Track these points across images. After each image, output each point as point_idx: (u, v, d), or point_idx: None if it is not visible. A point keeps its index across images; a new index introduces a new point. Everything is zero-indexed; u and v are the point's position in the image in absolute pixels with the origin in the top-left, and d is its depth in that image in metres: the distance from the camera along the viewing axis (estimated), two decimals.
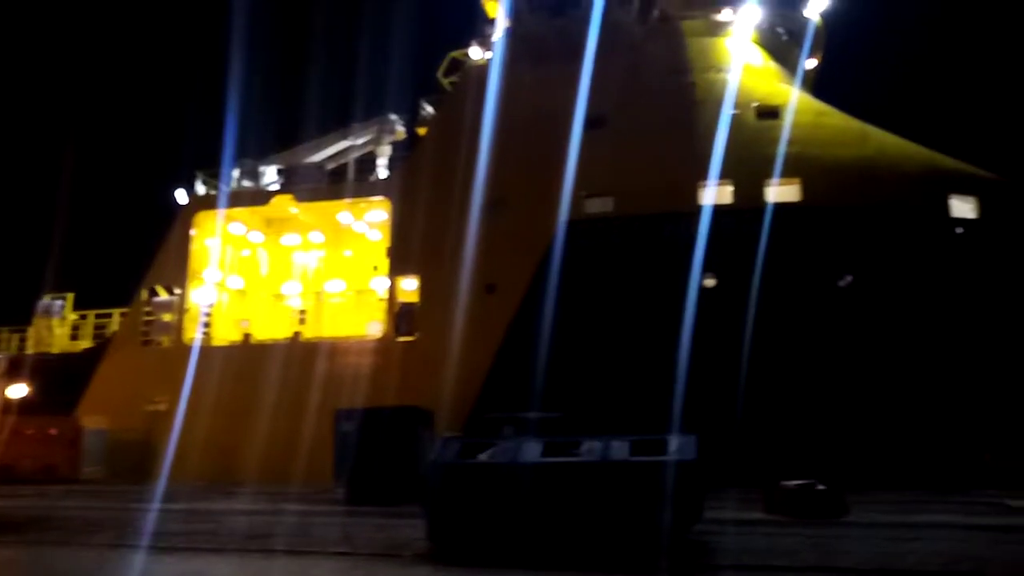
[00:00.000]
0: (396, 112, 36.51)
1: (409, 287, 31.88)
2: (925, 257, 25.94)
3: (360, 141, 36.72)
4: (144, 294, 35.38)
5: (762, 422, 23.92)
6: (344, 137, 36.68)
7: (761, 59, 32.69)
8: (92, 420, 32.07)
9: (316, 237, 37.37)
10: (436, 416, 24.09)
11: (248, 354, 32.39)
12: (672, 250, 26.97)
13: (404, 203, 31.99)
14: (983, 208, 26.81)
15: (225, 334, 34.91)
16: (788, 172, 27.26)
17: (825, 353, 25.21)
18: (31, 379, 33.60)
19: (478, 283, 29.07)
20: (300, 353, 31.25)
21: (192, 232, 35.41)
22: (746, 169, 27.56)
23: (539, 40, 32.28)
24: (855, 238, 26.32)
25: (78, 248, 50.94)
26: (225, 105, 32.13)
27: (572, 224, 28.26)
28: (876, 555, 11.17)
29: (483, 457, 12.46)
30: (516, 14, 33.21)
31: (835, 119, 30.11)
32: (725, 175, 27.38)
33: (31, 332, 37.57)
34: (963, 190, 27.09)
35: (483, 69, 33.56)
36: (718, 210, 26.76)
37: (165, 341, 34.38)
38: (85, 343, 37.18)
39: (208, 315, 34.94)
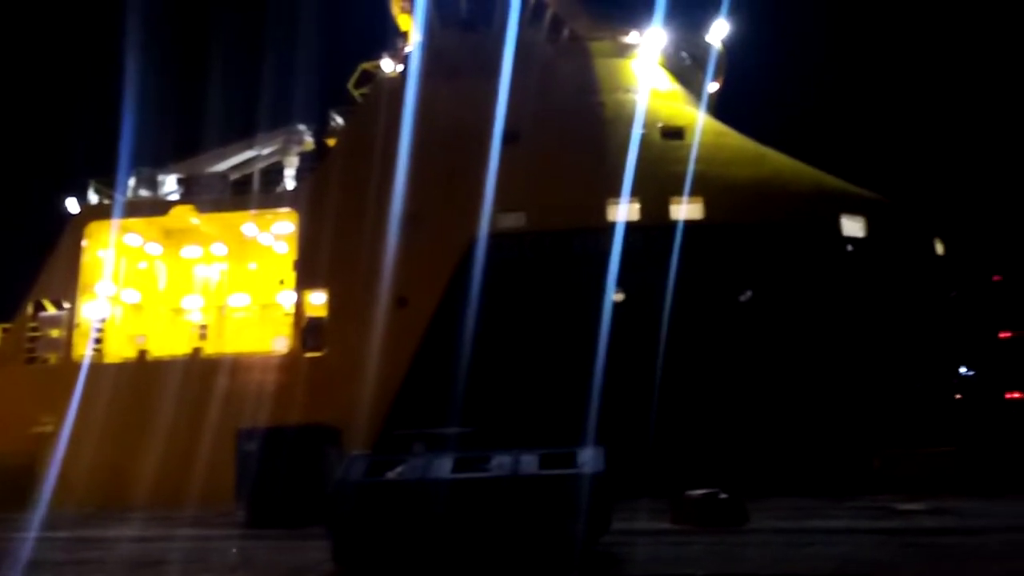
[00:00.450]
0: (304, 122, 35.78)
1: (317, 301, 31.14)
2: (819, 273, 27.28)
3: (266, 151, 35.75)
4: (30, 308, 33.21)
5: (671, 433, 24.48)
6: (249, 147, 35.64)
7: (666, 81, 33.81)
8: None
9: (219, 249, 36.02)
10: (345, 434, 23.53)
11: (143, 371, 30.85)
12: (582, 265, 27.42)
13: (312, 215, 31.28)
14: (870, 227, 28.46)
15: (119, 351, 33.15)
16: (692, 191, 28.20)
17: (727, 365, 26.08)
18: None
19: (389, 297, 28.67)
20: (200, 370, 29.98)
21: (84, 243, 33.51)
22: (652, 187, 28.35)
23: (451, 55, 32.38)
24: (755, 255, 27.43)
25: None
26: (121, 110, 30.68)
27: (485, 238, 28.31)
28: (774, 561, 11.54)
29: (391, 475, 12.21)
30: (428, 29, 33.20)
31: (735, 140, 31.45)
32: (633, 193, 28.07)
33: None
34: (852, 210, 28.71)
35: (395, 82, 33.39)
36: (626, 226, 27.39)
37: (52, 358, 32.37)
38: None
39: (100, 331, 33.11)
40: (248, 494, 20.59)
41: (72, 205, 34.44)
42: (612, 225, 27.64)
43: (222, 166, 35.48)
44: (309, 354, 30.06)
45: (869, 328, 26.58)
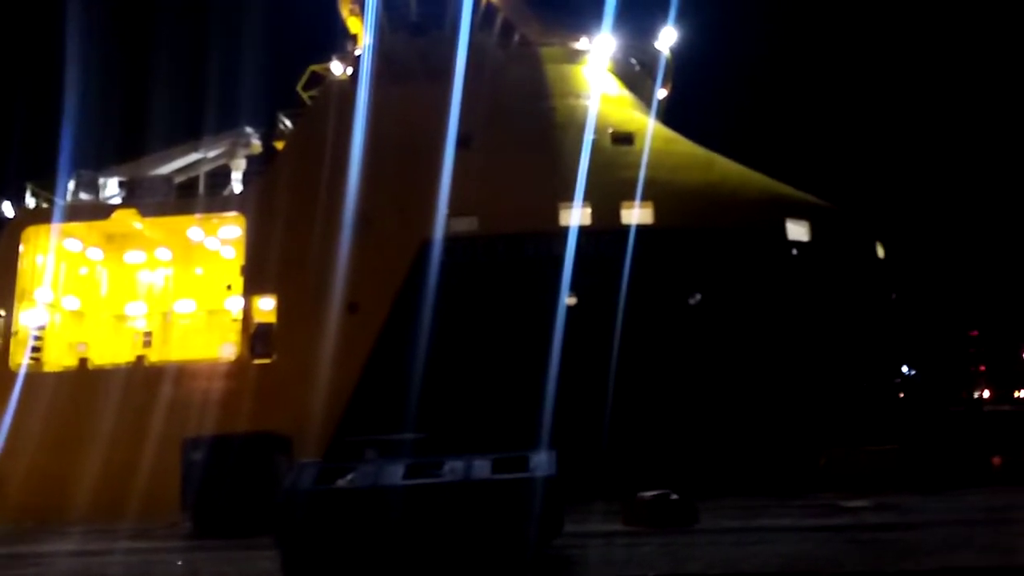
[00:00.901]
0: (252, 124, 35.14)
1: (266, 307, 30.58)
2: (765, 276, 27.84)
3: (212, 154, 35.00)
4: None
5: (624, 435, 24.69)
6: (195, 149, 34.84)
7: (616, 88, 34.15)
8: None
9: (163, 254, 35.12)
10: (296, 442, 23.16)
11: (84, 380, 29.85)
12: (535, 269, 27.52)
13: (260, 219, 30.70)
14: (814, 231, 29.17)
15: (58, 359, 32.07)
16: (642, 196, 28.52)
17: (677, 367, 26.42)
18: None
19: (340, 302, 28.32)
20: (143, 378, 29.16)
21: (20, 248, 32.29)
22: (603, 192, 28.59)
23: (401, 58, 32.16)
24: (703, 258, 27.86)
25: None
26: (61, 111, 29.71)
27: (437, 242, 28.19)
28: (722, 559, 11.74)
29: (342, 482, 12.08)
30: (378, 32, 32.92)
31: (684, 146, 31.92)
32: (584, 197, 28.28)
33: None
34: (797, 214, 29.38)
35: (344, 84, 33.04)
36: (578, 231, 27.58)
37: None
38: None
39: (39, 339, 31.96)
40: (194, 504, 20.15)
41: (8, 209, 33.26)
42: (564, 229, 27.79)
43: (166, 169, 34.59)
44: (258, 361, 29.47)
45: (814, 329, 27.22)
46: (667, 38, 36.40)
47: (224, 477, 19.76)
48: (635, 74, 35.88)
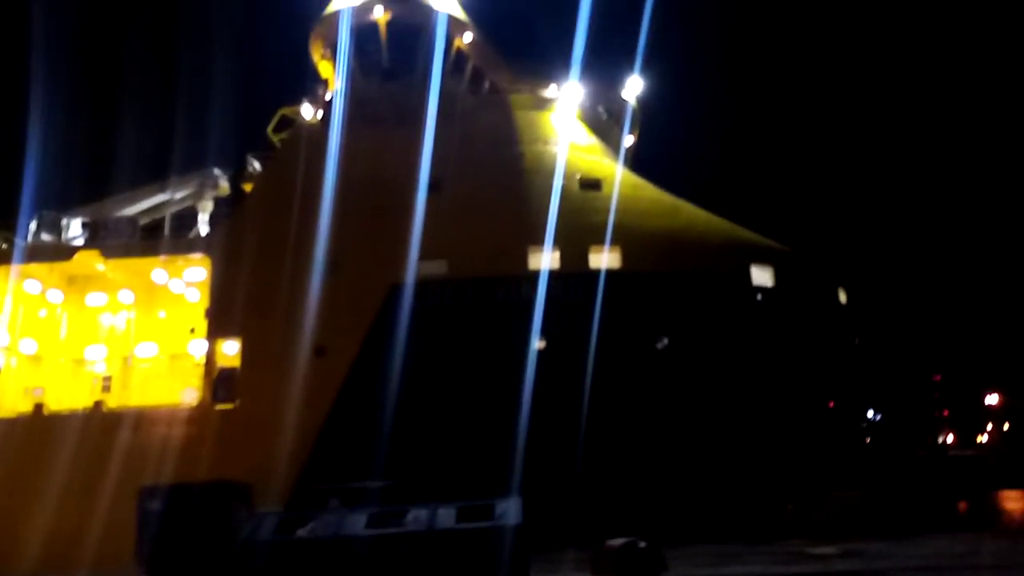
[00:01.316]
0: (220, 166, 34.97)
1: (230, 350, 30.06)
2: (731, 321, 28.11)
3: (179, 195, 34.66)
4: None
5: (593, 480, 24.48)
6: (161, 190, 34.49)
7: (584, 135, 34.75)
8: None
9: (126, 297, 34.46)
10: (257, 490, 22.51)
11: (38, 426, 28.92)
12: (504, 313, 27.50)
13: (227, 261, 30.35)
14: (778, 277, 29.62)
15: (13, 404, 31.07)
16: (610, 240, 28.80)
17: (646, 412, 26.39)
18: None
19: (307, 346, 27.95)
20: (101, 424, 28.34)
21: None
22: (571, 236, 28.83)
23: (372, 103, 32.43)
24: (670, 303, 28.09)
25: None
26: (24, 150, 29.32)
27: (405, 286, 28.08)
28: None
29: (302, 532, 11.78)
30: (350, 77, 33.20)
31: (651, 192, 32.45)
32: (553, 242, 28.47)
33: None
34: (761, 260, 29.86)
35: (315, 128, 33.19)
36: (546, 275, 27.69)
37: None
38: None
39: None
40: (149, 555, 19.39)
41: None
42: (533, 273, 27.88)
43: (132, 210, 34.18)
44: (220, 406, 28.85)
45: (780, 374, 27.44)
46: (633, 87, 37.32)
47: (181, 527, 19.08)
48: (603, 122, 36.60)
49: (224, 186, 35.05)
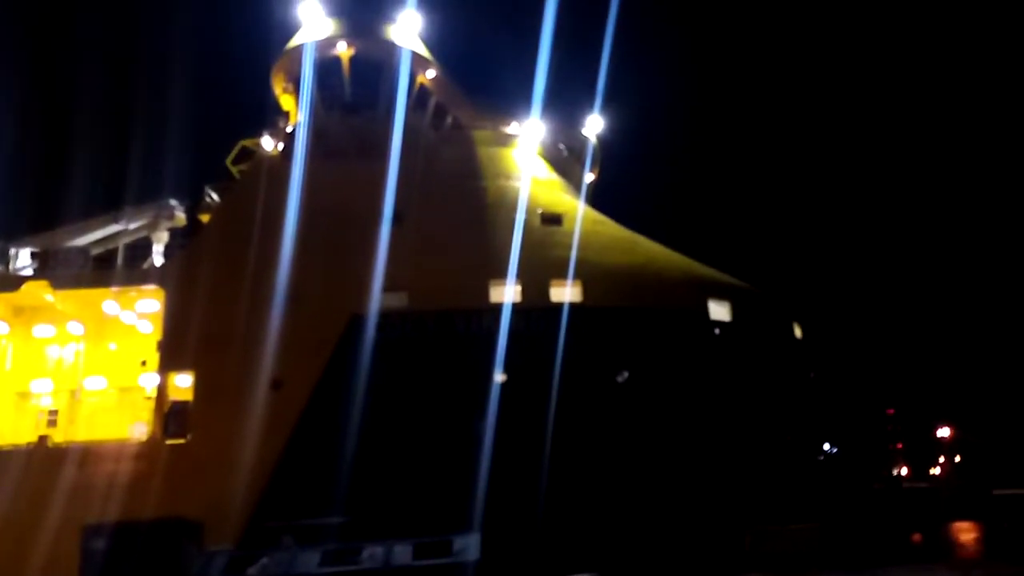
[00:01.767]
0: (176, 197, 34.43)
1: (183, 383, 29.35)
2: (689, 354, 28.39)
3: (133, 225, 33.97)
4: None
5: (553, 514, 24.27)
6: (115, 220, 33.74)
7: (546, 171, 35.18)
8: None
9: (75, 328, 33.52)
10: (208, 528, 21.92)
11: None
12: (465, 346, 27.41)
13: (181, 293, 29.76)
14: (735, 312, 30.08)
15: None
16: (571, 275, 28.99)
17: (604, 445, 26.36)
18: None
19: (263, 379, 27.42)
20: (44, 460, 27.32)
21: None
22: (532, 270, 28.98)
23: (334, 136, 32.42)
24: (630, 337, 28.29)
25: None
26: None
27: (365, 318, 27.83)
28: None
29: (253, 571, 11.42)
30: (311, 110, 33.18)
31: (611, 228, 32.88)
32: (514, 275, 28.56)
33: None
34: (719, 295, 30.31)
35: (275, 159, 33.01)
36: (508, 308, 27.72)
37: None
38: None
39: None
40: None
41: None
42: (494, 306, 27.90)
43: (83, 240, 33.39)
44: (171, 441, 28.04)
45: (737, 408, 27.71)
46: (594, 125, 37.99)
47: (127, 567, 18.47)
48: (564, 158, 37.14)
49: (180, 217, 34.48)
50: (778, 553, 23.94)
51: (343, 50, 33.14)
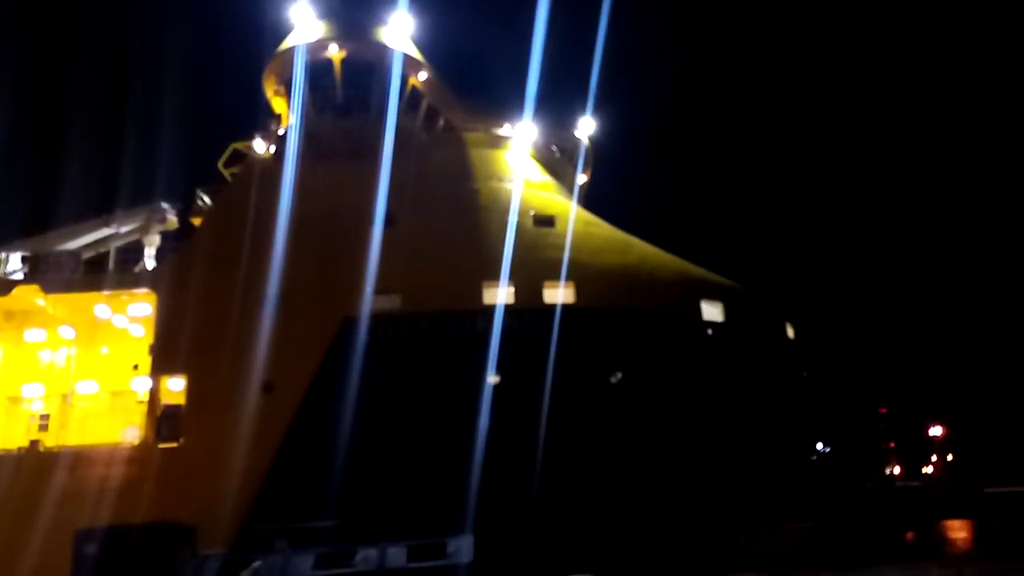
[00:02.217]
0: (168, 200, 34.35)
1: (175, 387, 29.26)
2: (682, 355, 28.44)
3: (125, 229, 33.89)
4: None
5: (547, 516, 24.28)
6: (106, 224, 33.66)
7: (538, 172, 35.20)
8: None
9: (67, 332, 33.39)
10: (201, 532, 21.87)
11: None
12: (458, 348, 27.39)
13: (173, 296, 29.67)
14: (728, 312, 30.15)
15: None
16: (564, 276, 29.02)
17: (598, 445, 26.38)
18: None
19: (255, 382, 27.35)
20: (35, 465, 27.20)
21: None
22: (525, 272, 28.98)
23: (326, 139, 32.35)
24: (623, 337, 28.33)
25: None
26: None
27: (358, 320, 27.79)
28: None
29: (246, 574, 11.40)
30: (303, 112, 33.14)
31: (604, 230, 32.91)
32: (507, 277, 28.57)
33: None
34: (712, 296, 30.37)
35: (267, 162, 32.95)
36: (501, 310, 27.72)
37: None
38: None
39: None
40: None
41: None
42: (487, 308, 27.90)
43: (75, 244, 33.26)
44: (163, 445, 27.94)
45: (730, 408, 27.77)
46: (586, 127, 38.04)
47: (119, 571, 18.41)
48: (556, 160, 37.18)
49: (172, 220, 34.42)
50: (772, 552, 24.02)
51: (335, 52, 33.11)
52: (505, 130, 35.04)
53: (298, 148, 31.97)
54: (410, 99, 33.78)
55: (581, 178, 39.14)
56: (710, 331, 29.50)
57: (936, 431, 72.06)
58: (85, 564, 19.33)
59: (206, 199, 35.10)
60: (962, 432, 69.69)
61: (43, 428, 31.17)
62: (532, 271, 29.21)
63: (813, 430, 34.24)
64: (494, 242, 29.50)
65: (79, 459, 27.42)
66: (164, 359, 29.15)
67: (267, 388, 27.41)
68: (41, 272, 31.56)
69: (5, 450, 29.08)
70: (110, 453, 27.95)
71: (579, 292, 28.99)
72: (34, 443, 29.20)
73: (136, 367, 31.43)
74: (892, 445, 71.10)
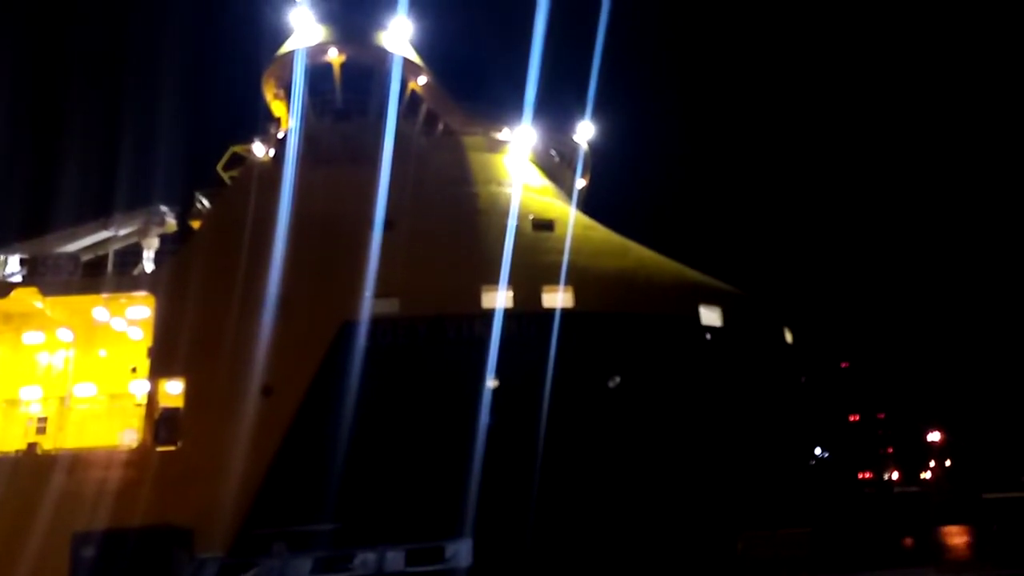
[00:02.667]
0: (167, 203, 34.36)
1: (173, 390, 29.23)
2: (680, 359, 28.47)
3: (123, 232, 33.88)
4: None
5: (545, 520, 24.26)
6: (105, 227, 33.64)
7: (537, 177, 35.24)
8: None
9: (65, 335, 33.34)
10: (199, 535, 21.84)
11: None
12: (457, 352, 27.40)
13: (171, 299, 29.64)
14: (726, 317, 30.19)
15: None
16: (563, 280, 29.05)
17: (598, 450, 26.39)
18: None
19: (254, 385, 27.33)
20: (32, 468, 27.13)
21: None
22: (524, 276, 29.01)
23: (325, 143, 32.39)
24: (621, 342, 28.35)
25: None
26: None
27: (356, 324, 27.80)
28: None
29: None
30: (303, 116, 33.18)
31: (602, 234, 32.95)
32: (506, 281, 28.60)
33: None
34: (710, 300, 30.43)
35: (266, 165, 32.98)
36: (500, 314, 27.75)
37: None
38: None
39: None
40: None
41: None
42: (486, 312, 27.91)
43: (74, 247, 33.23)
44: (161, 448, 27.90)
45: (729, 413, 27.79)
46: (585, 132, 38.10)
47: (116, 574, 18.38)
48: (555, 164, 37.23)
49: (171, 223, 34.44)
50: (770, 557, 24.02)
51: (334, 56, 33.16)
52: (504, 134, 35.08)
53: (297, 152, 32.00)
54: (409, 103, 33.84)
55: (580, 182, 39.18)
56: (708, 336, 29.53)
57: (934, 436, 72.12)
58: (83, 567, 19.30)
59: (205, 202, 35.13)
60: (960, 438, 69.74)
61: (41, 431, 31.11)
62: (531, 275, 29.24)
63: (811, 435, 34.27)
64: (493, 246, 29.53)
65: (77, 462, 27.36)
66: (162, 362, 29.13)
67: (266, 391, 27.39)
68: (39, 274, 31.52)
69: (3, 453, 28.97)
70: (108, 456, 27.89)
71: (578, 296, 29.02)
72: (32, 446, 29.14)
73: (134, 370, 31.43)
74: (890, 450, 71.16)
